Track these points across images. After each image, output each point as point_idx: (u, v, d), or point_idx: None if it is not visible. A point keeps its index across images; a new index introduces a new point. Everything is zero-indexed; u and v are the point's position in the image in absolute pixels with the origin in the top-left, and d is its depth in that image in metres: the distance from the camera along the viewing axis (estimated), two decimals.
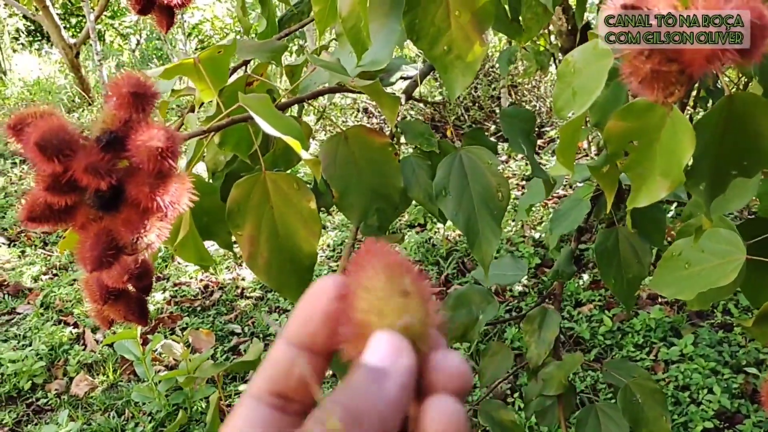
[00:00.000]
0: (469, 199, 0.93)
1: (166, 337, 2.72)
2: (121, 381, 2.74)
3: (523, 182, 3.99)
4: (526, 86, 5.12)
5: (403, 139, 1.09)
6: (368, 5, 0.83)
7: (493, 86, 5.05)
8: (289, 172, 1.05)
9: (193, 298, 3.33)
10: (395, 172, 0.96)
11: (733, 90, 0.61)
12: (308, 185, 0.85)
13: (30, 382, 2.73)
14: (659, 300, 2.79)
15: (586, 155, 3.54)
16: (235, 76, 1.08)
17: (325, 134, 5.02)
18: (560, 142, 0.69)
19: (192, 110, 1.05)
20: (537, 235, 3.40)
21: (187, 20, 7.94)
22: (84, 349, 2.93)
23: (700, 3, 0.49)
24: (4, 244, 3.99)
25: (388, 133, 1.05)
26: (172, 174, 0.55)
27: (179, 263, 3.60)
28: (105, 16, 8.18)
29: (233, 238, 0.90)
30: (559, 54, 2.64)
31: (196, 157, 0.92)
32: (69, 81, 7.17)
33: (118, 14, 9.00)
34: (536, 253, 3.23)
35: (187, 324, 3.08)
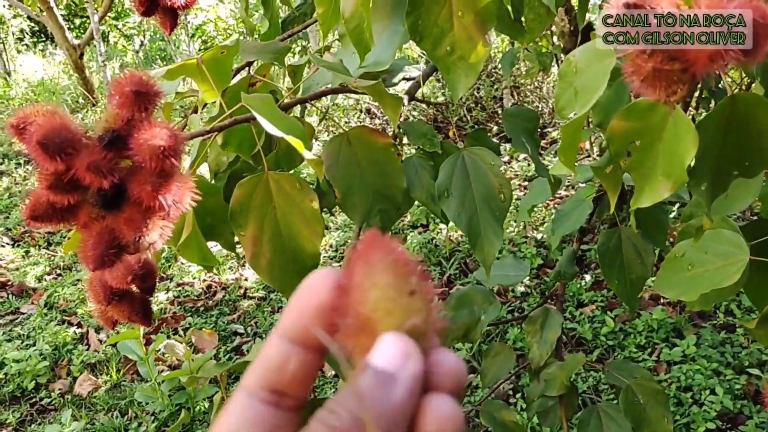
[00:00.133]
0: (472, 199, 0.93)
1: (169, 337, 2.72)
2: (125, 381, 2.74)
3: (526, 183, 3.99)
4: (528, 87, 5.11)
5: (405, 140, 1.09)
6: (371, 6, 0.83)
7: (495, 87, 5.05)
8: (291, 172, 1.05)
9: (196, 298, 3.34)
10: (398, 172, 0.96)
11: (736, 90, 0.61)
12: (311, 185, 0.85)
13: (34, 381, 2.73)
14: (661, 301, 2.79)
15: (588, 156, 3.54)
16: (238, 77, 1.09)
17: (327, 135, 5.02)
18: (562, 142, 0.69)
19: (196, 111, 1.05)
20: (539, 236, 3.40)
21: (191, 21, 7.95)
22: (87, 349, 2.94)
23: (703, 2, 0.49)
24: (8, 244, 4.00)
25: (390, 133, 1.05)
26: (175, 173, 0.55)
27: (182, 263, 3.60)
28: (109, 17, 8.19)
29: (236, 239, 0.90)
30: (562, 55, 2.64)
31: (200, 157, 0.92)
32: (73, 82, 7.18)
33: (122, 15, 9.01)
34: (538, 254, 3.22)
35: (190, 324, 3.08)
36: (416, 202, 1.08)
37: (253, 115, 0.71)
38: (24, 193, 4.64)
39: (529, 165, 4.19)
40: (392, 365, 0.25)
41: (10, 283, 3.55)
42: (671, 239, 1.31)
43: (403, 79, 1.13)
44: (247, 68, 1.13)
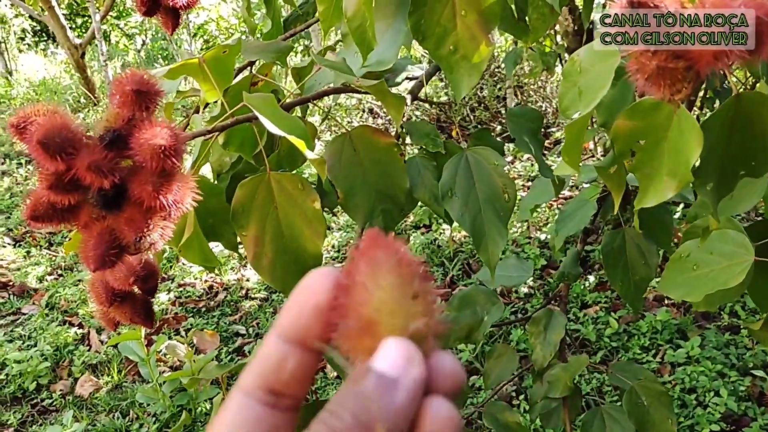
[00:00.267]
0: (476, 200, 0.93)
1: (170, 338, 2.72)
2: (126, 382, 2.74)
3: (529, 183, 3.98)
4: (531, 87, 5.11)
5: (408, 140, 1.09)
6: (374, 5, 0.83)
7: (498, 87, 5.04)
8: (293, 172, 1.05)
9: (197, 299, 3.34)
10: (401, 172, 0.96)
11: (741, 89, 0.61)
12: (313, 186, 0.85)
13: (35, 382, 2.73)
14: (666, 302, 2.78)
15: (592, 156, 3.54)
16: (240, 77, 1.08)
17: (330, 135, 5.02)
18: (566, 142, 0.69)
19: (197, 111, 1.05)
20: (543, 237, 3.39)
21: (193, 20, 7.96)
22: (89, 350, 2.94)
23: (708, 1, 0.48)
24: (9, 244, 4.01)
25: (393, 133, 1.05)
26: (176, 173, 0.55)
27: (184, 264, 3.60)
28: (110, 16, 8.21)
29: (238, 240, 0.90)
30: (566, 54, 2.63)
31: (201, 157, 0.92)
32: (74, 81, 7.20)
33: (124, 15, 9.03)
34: (542, 255, 3.22)
35: (191, 325, 3.08)
36: (419, 203, 1.08)
37: (254, 115, 0.70)
38: (25, 193, 4.64)
39: (532, 165, 4.18)
40: (395, 370, 0.25)
41: (11, 283, 3.55)
42: (676, 240, 1.30)
43: (406, 78, 1.13)
44: (249, 68, 1.13)
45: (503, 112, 4.92)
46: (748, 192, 0.84)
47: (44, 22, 6.89)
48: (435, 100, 5.07)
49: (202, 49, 8.02)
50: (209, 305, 3.27)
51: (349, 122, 5.30)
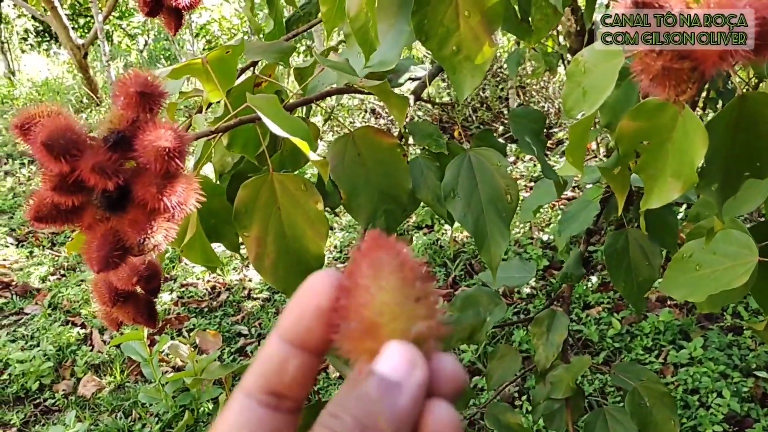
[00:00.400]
0: (478, 200, 0.93)
1: (173, 338, 2.72)
2: (128, 382, 2.74)
3: (531, 184, 3.98)
4: (534, 87, 5.11)
5: (411, 140, 1.09)
6: (376, 5, 0.83)
7: (501, 87, 5.04)
8: (296, 173, 1.05)
9: (200, 299, 3.34)
10: (404, 173, 0.95)
11: (745, 90, 0.60)
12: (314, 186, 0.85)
13: (37, 382, 2.73)
14: (668, 303, 2.78)
15: (595, 157, 3.53)
16: (243, 77, 1.08)
17: (332, 135, 5.02)
18: (570, 142, 0.69)
19: (200, 111, 1.05)
20: (545, 237, 3.39)
21: (195, 21, 7.96)
22: (91, 350, 2.94)
23: (713, 1, 0.48)
24: (12, 244, 4.01)
25: (396, 134, 1.05)
26: (180, 174, 0.55)
27: (186, 264, 3.60)
28: (113, 16, 8.22)
29: (240, 240, 0.90)
30: (568, 55, 2.63)
31: (204, 158, 0.92)
32: (77, 81, 7.21)
33: (126, 15, 9.04)
34: (544, 255, 3.21)
35: (194, 325, 3.08)
36: (421, 204, 1.08)
37: (258, 116, 0.70)
38: (28, 193, 4.65)
39: (534, 166, 4.18)
40: (398, 373, 0.25)
41: (14, 283, 3.56)
42: (679, 241, 1.30)
43: (409, 79, 1.13)
44: (252, 68, 1.13)
45: (505, 112, 4.91)
46: (752, 193, 0.84)
47: (47, 23, 6.91)
48: (437, 100, 5.07)
49: (204, 50, 8.02)
50: (212, 305, 3.27)
51: (351, 122, 5.30)
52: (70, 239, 0.75)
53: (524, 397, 2.40)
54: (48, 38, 9.76)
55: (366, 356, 0.26)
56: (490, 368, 1.40)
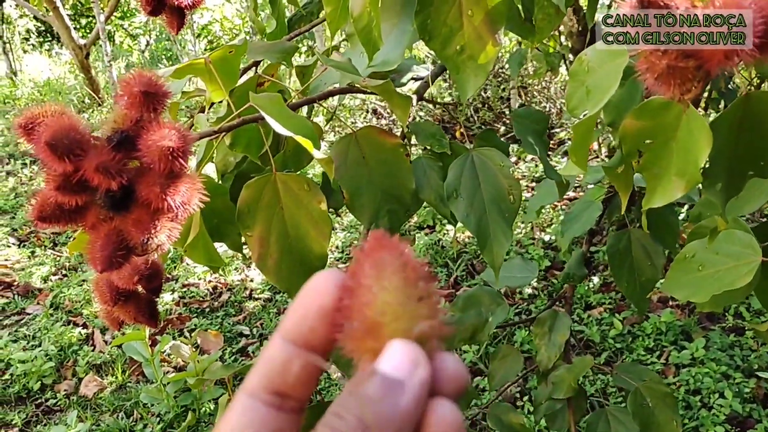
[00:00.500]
0: (481, 200, 0.93)
1: (174, 339, 2.72)
2: (130, 382, 2.74)
3: (533, 184, 3.98)
4: (535, 87, 5.10)
5: (413, 140, 1.09)
6: (380, 5, 0.83)
7: (502, 87, 5.04)
8: (299, 173, 1.05)
9: (201, 299, 3.34)
10: (407, 173, 0.95)
11: (748, 89, 0.60)
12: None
13: (39, 382, 2.73)
14: (670, 303, 2.78)
15: (597, 157, 3.53)
16: (245, 77, 1.08)
17: (334, 135, 5.02)
18: (573, 142, 0.68)
19: (202, 111, 1.05)
20: (546, 238, 3.39)
21: (197, 21, 7.97)
22: (93, 350, 2.94)
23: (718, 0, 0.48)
24: (14, 244, 4.01)
25: (398, 134, 1.05)
26: (183, 174, 0.54)
27: (188, 264, 3.60)
28: (115, 16, 8.22)
29: (243, 240, 0.90)
30: (570, 55, 2.63)
31: (206, 158, 0.92)
32: (79, 82, 7.21)
33: (128, 15, 9.05)
34: (546, 256, 3.21)
35: (195, 325, 3.08)
36: (423, 204, 1.08)
37: (261, 115, 0.70)
38: (30, 193, 4.65)
39: (536, 166, 4.18)
40: (401, 372, 0.25)
41: (15, 283, 3.56)
42: (680, 241, 1.30)
43: (412, 79, 1.13)
44: (254, 68, 1.13)
45: (507, 112, 4.91)
46: (755, 192, 0.84)
47: (49, 23, 6.91)
48: (439, 100, 5.07)
49: (206, 50, 8.03)
50: (213, 306, 3.27)
51: (352, 122, 5.30)
52: (71, 239, 0.75)
53: (526, 398, 2.40)
54: (50, 38, 9.76)
55: (369, 356, 0.26)
56: (492, 368, 1.40)
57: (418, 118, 4.50)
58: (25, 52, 9.32)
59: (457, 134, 4.40)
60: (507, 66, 4.37)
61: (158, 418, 2.50)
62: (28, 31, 9.59)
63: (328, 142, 4.53)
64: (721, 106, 2.00)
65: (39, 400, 2.66)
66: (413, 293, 0.27)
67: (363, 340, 0.26)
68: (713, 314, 2.62)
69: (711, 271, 0.86)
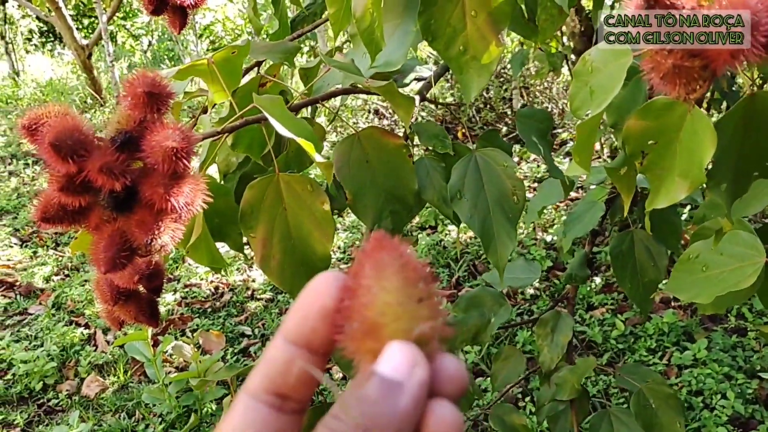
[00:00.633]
0: (485, 201, 0.93)
1: (176, 339, 2.72)
2: (132, 382, 2.74)
3: (536, 184, 3.97)
4: (538, 88, 5.10)
5: (416, 141, 1.08)
6: (383, 6, 0.83)
7: (504, 88, 5.04)
8: (301, 173, 1.04)
9: (203, 299, 3.34)
10: (410, 173, 0.95)
11: (752, 89, 0.60)
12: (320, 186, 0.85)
13: (41, 382, 2.73)
14: (672, 304, 2.77)
15: (599, 157, 3.53)
16: (247, 77, 1.08)
17: (336, 136, 5.02)
18: (577, 142, 0.68)
19: (205, 111, 1.05)
20: (549, 238, 3.39)
21: (199, 21, 7.98)
22: (95, 350, 2.94)
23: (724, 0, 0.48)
24: (16, 244, 4.01)
25: (401, 134, 1.04)
26: (187, 175, 0.54)
27: (190, 264, 3.60)
28: (117, 17, 8.24)
29: (244, 240, 0.90)
30: (572, 55, 2.63)
31: (209, 158, 0.92)
32: (81, 82, 7.22)
33: (130, 15, 9.05)
34: (548, 256, 3.21)
35: (197, 325, 3.08)
36: (426, 204, 1.07)
37: (263, 116, 0.70)
38: (32, 193, 4.66)
39: (538, 166, 4.18)
40: (399, 373, 0.25)
41: (18, 283, 3.56)
42: (683, 242, 1.30)
43: (414, 79, 1.12)
44: (256, 68, 1.13)
45: (509, 113, 4.91)
46: (759, 193, 0.84)
47: (51, 23, 6.92)
48: (441, 100, 5.06)
49: (208, 50, 8.04)
50: (215, 306, 3.27)
51: (354, 123, 5.30)
52: (73, 239, 0.75)
53: (528, 399, 2.39)
54: (52, 39, 9.78)
55: (369, 357, 0.26)
56: (495, 369, 1.39)
57: (420, 119, 4.50)
58: (27, 52, 9.34)
59: (460, 135, 4.40)
60: (509, 66, 4.37)
61: (160, 419, 2.50)
62: (30, 31, 9.61)
63: (331, 143, 4.54)
64: (724, 106, 2.00)
65: (41, 400, 2.66)
66: (413, 294, 0.27)
67: (363, 340, 0.26)
68: (715, 315, 2.62)
69: (715, 272, 0.86)
